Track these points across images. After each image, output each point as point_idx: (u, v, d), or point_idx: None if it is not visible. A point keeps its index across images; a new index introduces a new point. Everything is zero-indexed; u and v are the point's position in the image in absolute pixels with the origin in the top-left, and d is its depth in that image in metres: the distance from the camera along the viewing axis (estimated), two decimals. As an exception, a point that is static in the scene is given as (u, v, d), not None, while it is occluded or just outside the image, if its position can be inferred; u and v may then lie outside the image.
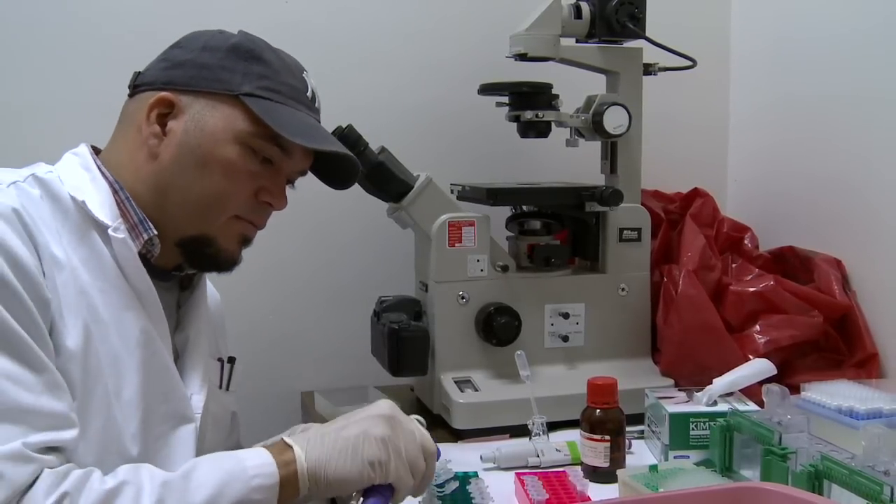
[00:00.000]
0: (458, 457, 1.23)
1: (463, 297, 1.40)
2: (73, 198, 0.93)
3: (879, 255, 1.47)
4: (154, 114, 0.97)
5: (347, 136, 1.35)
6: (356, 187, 1.40)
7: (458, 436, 1.36)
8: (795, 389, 1.21)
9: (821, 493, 0.92)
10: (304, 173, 1.08)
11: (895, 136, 1.43)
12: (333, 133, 1.34)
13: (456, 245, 1.40)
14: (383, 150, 1.40)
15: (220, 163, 0.97)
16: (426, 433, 0.95)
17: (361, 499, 0.88)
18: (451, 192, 1.50)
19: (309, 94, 1.04)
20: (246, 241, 1.05)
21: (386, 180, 1.39)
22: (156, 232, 0.97)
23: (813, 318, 1.47)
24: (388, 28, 1.70)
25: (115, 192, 0.96)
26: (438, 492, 1.11)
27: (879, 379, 1.41)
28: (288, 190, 1.07)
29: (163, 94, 0.97)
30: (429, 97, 1.72)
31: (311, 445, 0.88)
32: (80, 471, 0.80)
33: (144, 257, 0.97)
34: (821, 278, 1.52)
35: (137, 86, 1.01)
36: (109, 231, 0.93)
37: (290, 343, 1.68)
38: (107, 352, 0.90)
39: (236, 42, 1.00)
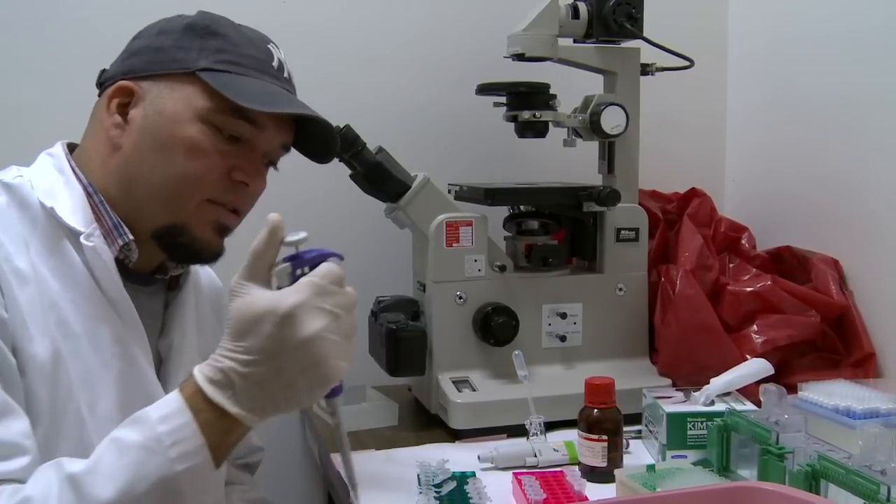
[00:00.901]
0: (455, 457, 1.23)
1: (461, 297, 1.40)
2: (42, 204, 0.89)
3: (877, 255, 1.48)
4: (114, 104, 0.94)
5: (345, 136, 1.35)
6: (353, 187, 1.41)
7: (455, 436, 1.36)
8: (793, 389, 1.21)
9: (818, 493, 0.92)
10: (286, 149, 1.02)
11: (892, 136, 1.43)
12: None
13: (453, 245, 1.40)
14: (381, 150, 1.40)
15: (182, 143, 0.92)
16: (341, 299, 0.79)
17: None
18: (449, 192, 1.50)
19: (275, 63, 0.99)
20: (223, 228, 0.98)
21: (383, 180, 1.39)
22: (132, 237, 0.93)
23: (810, 318, 1.47)
24: (385, 28, 1.70)
25: (89, 195, 0.93)
26: (436, 492, 1.11)
27: (876, 378, 1.41)
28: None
29: (121, 82, 0.94)
30: (426, 97, 1.72)
31: (247, 397, 0.76)
32: None
33: (123, 263, 0.94)
34: (818, 278, 1.53)
35: (103, 83, 0.98)
36: (81, 239, 0.89)
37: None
38: (79, 367, 0.86)
39: (191, 21, 0.96)
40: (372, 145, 1.39)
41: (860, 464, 0.88)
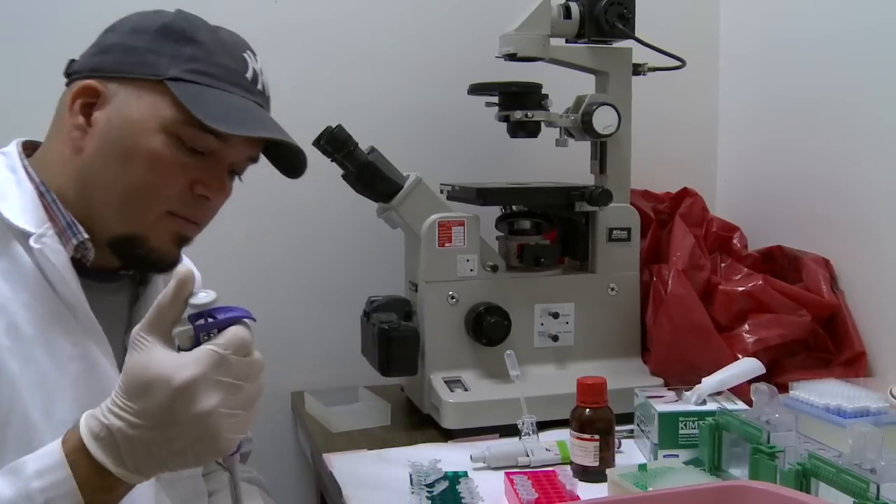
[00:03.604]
0: (447, 456, 1.23)
1: (453, 297, 1.40)
2: None
3: (867, 255, 1.48)
4: (78, 104, 0.90)
5: (337, 135, 1.34)
6: (346, 187, 1.41)
7: (448, 435, 1.36)
8: (784, 388, 1.22)
9: (808, 492, 0.92)
10: (253, 160, 1.00)
11: (883, 137, 1.44)
12: (322, 134, 1.35)
13: (446, 245, 1.40)
14: (373, 150, 1.40)
15: (144, 154, 0.88)
16: (243, 368, 0.74)
17: None
18: (441, 191, 1.50)
19: (249, 74, 0.95)
20: (183, 239, 0.96)
21: (375, 180, 1.39)
22: (87, 235, 0.90)
23: (801, 318, 1.48)
24: (377, 28, 1.70)
25: (41, 194, 0.90)
26: (428, 492, 1.11)
27: (867, 378, 1.42)
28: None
29: (87, 81, 0.90)
30: (418, 97, 1.72)
31: (133, 460, 0.73)
32: None
33: (80, 262, 0.91)
34: (809, 278, 1.53)
35: (70, 74, 0.94)
36: (31, 241, 0.86)
37: (280, 343, 1.68)
38: (31, 370, 0.83)
39: (167, 22, 0.92)
40: (364, 145, 1.39)
41: (850, 462, 0.89)
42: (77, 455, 0.73)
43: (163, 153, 0.89)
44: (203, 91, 0.90)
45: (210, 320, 0.75)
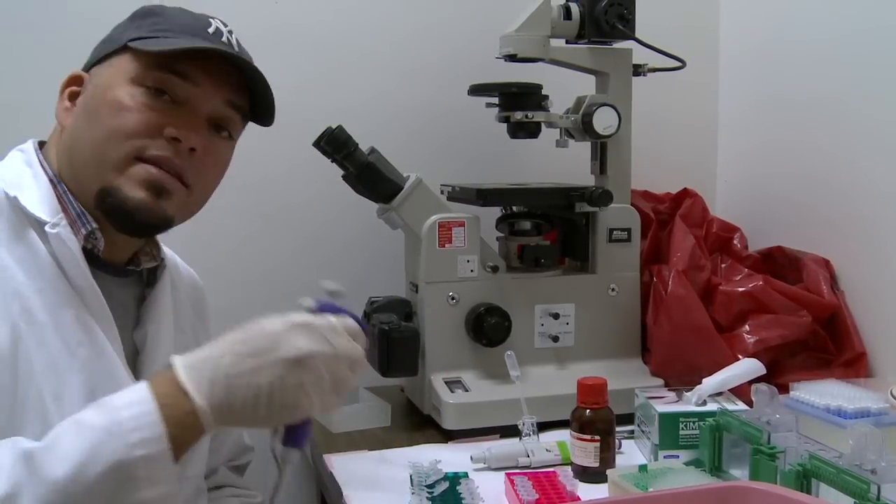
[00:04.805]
0: (448, 457, 1.23)
1: (453, 298, 1.40)
2: (7, 195, 0.91)
3: (868, 255, 1.48)
4: (67, 92, 0.98)
5: (337, 136, 1.35)
6: (346, 188, 1.41)
7: (448, 436, 1.36)
8: (784, 389, 1.22)
9: (809, 492, 0.92)
10: (236, 108, 1.00)
11: (883, 137, 1.44)
12: (322, 135, 1.35)
13: (446, 246, 1.40)
14: (373, 150, 1.40)
15: (108, 104, 0.93)
16: (347, 346, 0.83)
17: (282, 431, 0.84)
18: (441, 192, 1.50)
19: (211, 30, 0.98)
20: (157, 188, 0.94)
21: (376, 181, 1.39)
22: (96, 225, 0.93)
23: (802, 318, 1.48)
24: (377, 29, 1.70)
25: (54, 186, 0.94)
26: (428, 492, 1.11)
27: (867, 378, 1.42)
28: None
29: (72, 71, 0.99)
30: (418, 98, 1.72)
31: (212, 391, 0.78)
32: None
33: (92, 253, 0.94)
34: (809, 278, 1.53)
35: None
36: (46, 228, 0.89)
37: (281, 344, 1.68)
38: (44, 355, 0.86)
39: (139, 9, 1.00)
40: (364, 146, 1.39)
41: (851, 463, 0.89)
42: (163, 388, 0.78)
43: (123, 98, 0.93)
44: (159, 41, 0.95)
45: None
